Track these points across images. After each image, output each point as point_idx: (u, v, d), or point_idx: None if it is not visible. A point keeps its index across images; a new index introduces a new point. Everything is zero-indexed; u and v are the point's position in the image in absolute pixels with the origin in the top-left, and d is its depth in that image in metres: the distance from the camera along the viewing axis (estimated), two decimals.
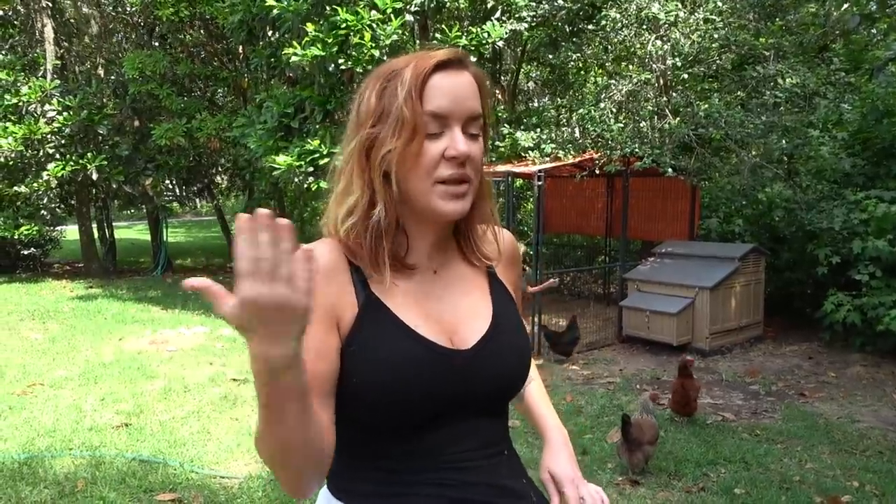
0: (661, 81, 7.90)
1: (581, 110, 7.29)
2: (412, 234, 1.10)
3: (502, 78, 12.82)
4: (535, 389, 1.38)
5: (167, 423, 4.57)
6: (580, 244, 12.20)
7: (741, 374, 6.18)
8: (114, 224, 15.11)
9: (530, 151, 7.27)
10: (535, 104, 14.21)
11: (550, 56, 10.96)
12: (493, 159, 7.93)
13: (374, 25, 6.94)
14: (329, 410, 1.02)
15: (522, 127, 8.28)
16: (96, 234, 13.65)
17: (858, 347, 6.81)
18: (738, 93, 8.19)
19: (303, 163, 7.65)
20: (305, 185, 8.02)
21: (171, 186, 17.25)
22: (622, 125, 6.90)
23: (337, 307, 1.04)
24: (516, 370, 1.12)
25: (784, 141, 6.50)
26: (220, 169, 15.67)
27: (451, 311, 1.10)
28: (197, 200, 22.82)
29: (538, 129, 7.78)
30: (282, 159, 7.63)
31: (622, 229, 7.84)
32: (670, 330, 6.73)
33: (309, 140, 7.66)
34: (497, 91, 11.67)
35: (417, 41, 8.16)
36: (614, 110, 7.22)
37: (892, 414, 5.02)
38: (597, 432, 4.53)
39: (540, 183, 6.82)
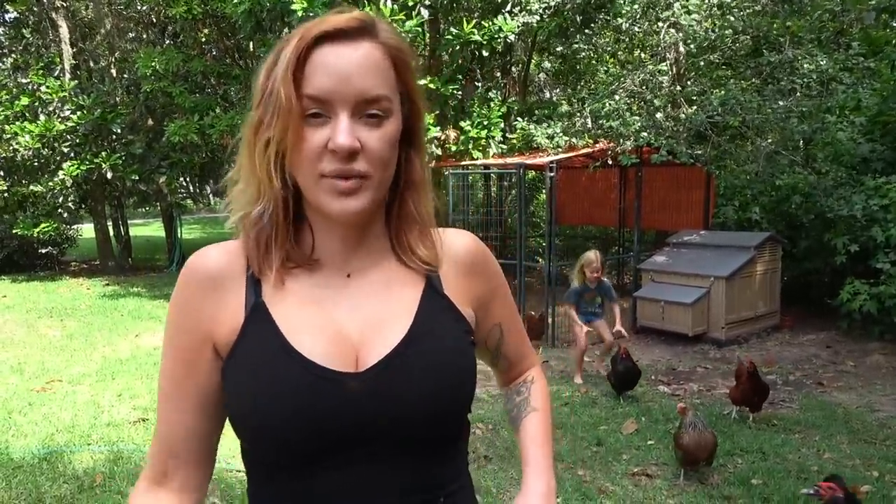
0: (675, 70, 7.81)
1: (595, 105, 7.23)
2: (317, 230, 0.92)
3: (513, 69, 12.76)
4: (531, 423, 1.11)
5: None
6: (594, 235, 12.14)
7: (758, 364, 6.09)
8: (129, 222, 15.29)
9: (544, 142, 7.21)
10: (547, 95, 14.14)
11: (561, 47, 10.89)
12: (505, 151, 7.89)
13: (394, 22, 6.93)
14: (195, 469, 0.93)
15: (535, 118, 8.24)
16: (111, 232, 13.78)
17: (877, 336, 6.72)
18: (754, 80, 8.08)
19: None
20: None
21: (184, 183, 17.40)
22: (637, 117, 6.83)
23: (213, 323, 0.89)
24: (435, 395, 0.87)
25: (804, 125, 6.39)
26: (232, 165, 15.75)
27: (361, 322, 0.89)
28: (211, 197, 23.02)
29: (551, 121, 7.73)
30: None
31: (636, 220, 7.78)
32: (685, 320, 6.68)
33: None
34: (507, 82, 11.61)
35: (427, 34, 8.14)
36: (628, 101, 7.16)
37: None
38: (612, 423, 4.51)
39: (552, 174, 6.78)
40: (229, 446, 3.98)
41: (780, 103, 6.77)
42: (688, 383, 5.53)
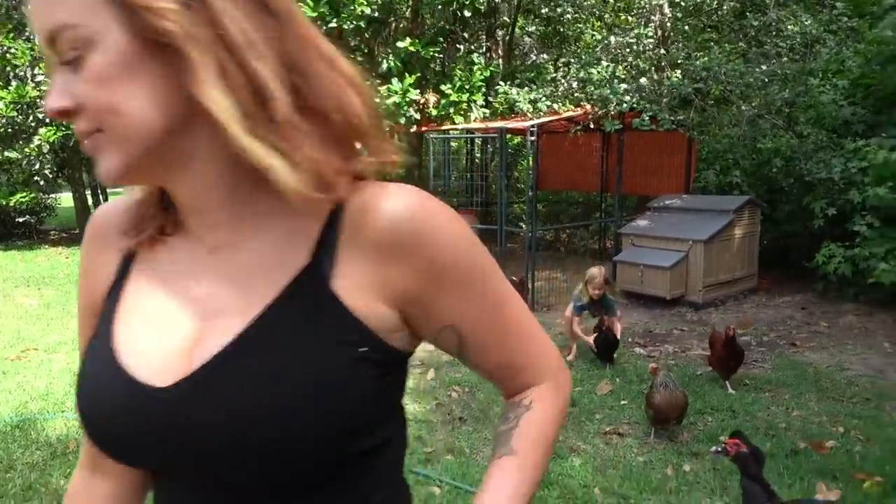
0: (660, 33, 7.74)
1: (581, 73, 7.14)
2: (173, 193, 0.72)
3: (498, 32, 12.57)
4: (494, 477, 0.74)
5: None
6: (577, 201, 12.15)
7: (734, 325, 6.16)
8: (109, 190, 15.06)
9: (526, 107, 7.15)
10: (533, 59, 13.96)
11: (546, 9, 10.72)
12: (487, 115, 7.82)
13: None
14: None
15: (517, 82, 8.15)
16: (90, 201, 13.60)
17: (851, 297, 6.81)
18: (740, 43, 8.02)
19: None
20: None
21: None
22: (624, 84, 6.76)
23: (97, 289, 0.77)
24: (264, 416, 0.62)
25: (785, 91, 6.37)
26: None
27: (201, 317, 0.68)
28: None
29: (534, 85, 7.65)
30: None
31: (617, 184, 7.77)
32: (664, 284, 6.72)
33: None
34: (491, 46, 11.45)
35: None
36: (612, 66, 7.08)
37: (881, 361, 5.04)
38: (586, 385, 4.56)
39: (533, 138, 6.73)
40: None
41: (763, 67, 6.73)
42: (663, 345, 5.60)
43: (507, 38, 12.55)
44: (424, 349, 5.60)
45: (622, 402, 4.22)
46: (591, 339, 5.01)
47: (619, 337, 5.03)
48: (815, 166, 6.83)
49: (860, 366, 4.94)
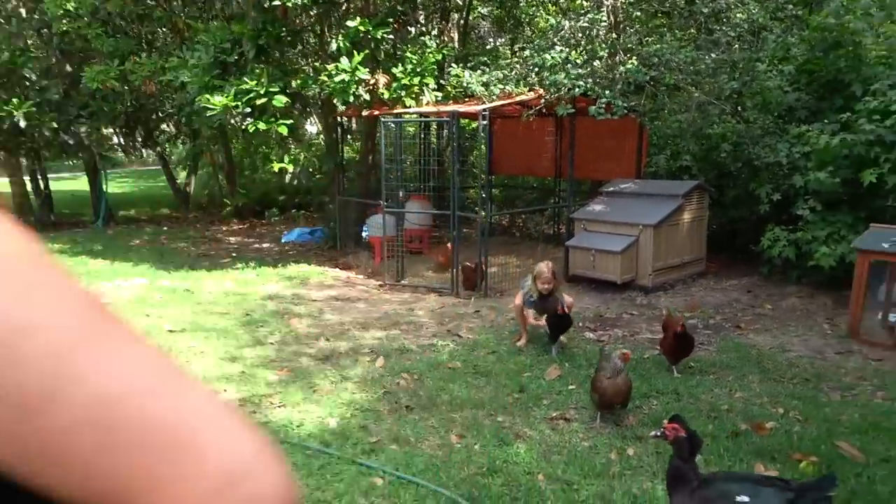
0: (613, 18, 7.72)
1: (536, 59, 7.08)
2: None
3: (453, 15, 12.42)
4: None
5: None
6: (532, 186, 12.17)
7: (681, 308, 6.28)
8: (53, 175, 14.46)
9: (479, 90, 7.05)
10: (490, 44, 13.88)
11: None
12: (439, 99, 7.71)
13: None
14: None
15: (471, 65, 8.05)
16: (29, 187, 13.02)
17: (795, 280, 6.98)
18: (690, 30, 8.08)
19: (239, 103, 7.33)
20: (243, 127, 7.72)
21: (109, 135, 16.50)
22: (579, 70, 6.72)
23: None
24: None
25: (734, 81, 6.44)
26: (160, 115, 14.99)
27: None
28: (143, 150, 21.99)
29: (487, 68, 7.56)
30: (217, 99, 7.29)
31: (570, 169, 7.78)
32: (615, 268, 6.78)
33: (245, 79, 7.32)
34: (445, 28, 11.30)
35: None
36: (566, 51, 7.04)
37: (821, 342, 5.17)
38: (535, 370, 4.56)
39: (485, 122, 6.66)
40: None
41: (713, 55, 6.79)
42: (613, 329, 5.64)
43: (463, 21, 12.41)
44: (374, 336, 5.54)
45: (570, 387, 4.22)
46: (542, 321, 5.00)
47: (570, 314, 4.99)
48: (762, 150, 6.95)
49: (801, 347, 5.07)
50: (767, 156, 6.87)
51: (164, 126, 16.14)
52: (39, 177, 13.37)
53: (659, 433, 2.50)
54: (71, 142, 12.65)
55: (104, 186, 13.43)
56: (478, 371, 4.55)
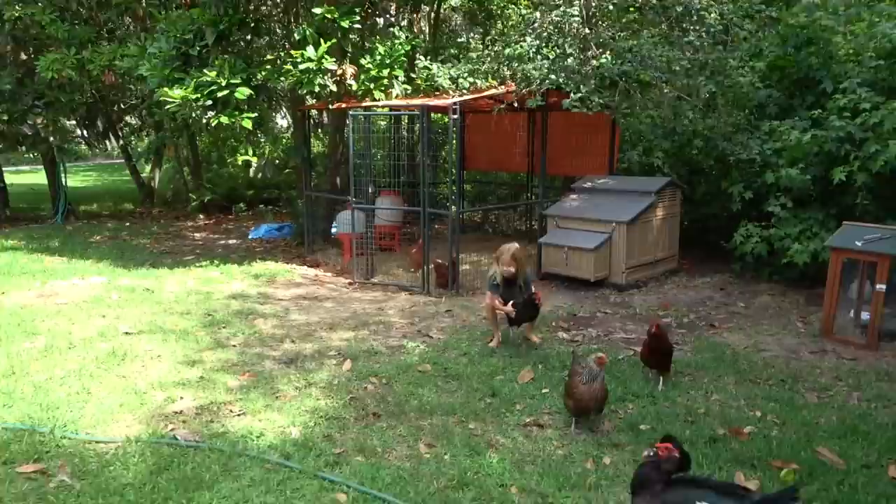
0: (585, 13, 7.60)
1: (507, 50, 6.93)
2: None
3: (424, 7, 12.20)
4: None
5: (42, 385, 4.15)
6: (504, 182, 12.03)
7: (654, 307, 6.20)
8: (11, 168, 13.86)
9: (446, 83, 6.88)
10: (462, 39, 13.68)
11: None
12: (409, 92, 7.52)
13: None
14: None
15: (441, 58, 7.86)
16: None
17: (767, 277, 6.97)
18: (662, 26, 8.00)
19: (200, 96, 7.04)
20: (204, 121, 7.43)
21: (72, 126, 15.93)
22: (547, 60, 6.59)
23: None
24: None
25: (711, 83, 6.37)
26: (122, 106, 14.50)
27: None
28: (108, 142, 21.37)
29: (457, 62, 7.38)
30: (177, 92, 6.99)
31: (542, 165, 7.65)
32: (588, 266, 6.67)
33: (206, 70, 7.03)
34: (416, 19, 11.09)
35: None
36: (539, 45, 6.90)
37: (794, 341, 5.13)
38: (508, 373, 4.41)
39: (455, 116, 6.50)
40: (92, 413, 3.59)
41: (688, 55, 6.72)
42: (587, 328, 5.53)
43: (434, 14, 12.20)
44: (341, 337, 5.34)
45: (544, 391, 4.09)
46: (508, 306, 4.82)
47: (539, 304, 4.86)
48: (734, 147, 6.90)
49: (775, 346, 5.01)
50: (740, 152, 6.83)
51: (128, 118, 15.67)
52: None
53: (652, 453, 2.40)
54: (28, 133, 12.17)
55: (63, 180, 12.93)
56: (448, 374, 4.40)
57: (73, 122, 15.42)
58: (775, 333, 5.32)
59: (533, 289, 5.01)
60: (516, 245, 4.93)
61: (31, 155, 24.19)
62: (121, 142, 15.36)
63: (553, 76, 6.53)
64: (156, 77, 7.34)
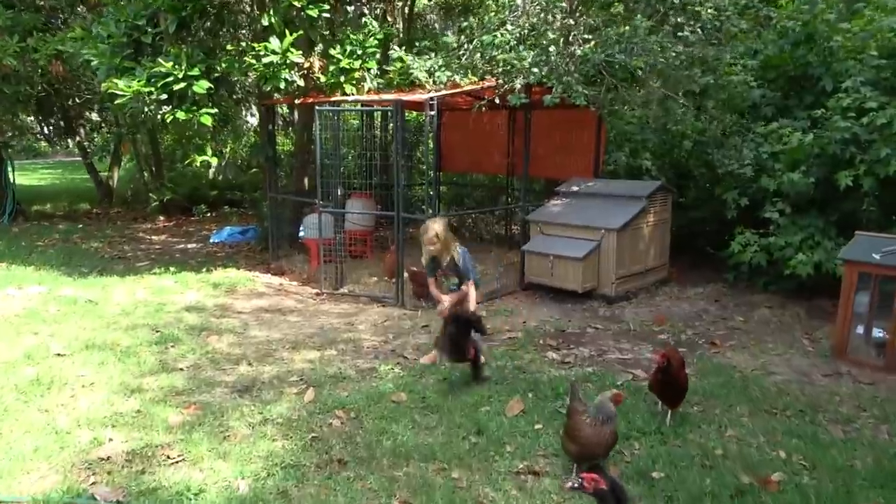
0: (568, 4, 7.14)
1: (485, 37, 6.42)
2: None
3: (397, 2, 11.63)
4: None
5: None
6: (481, 183, 11.52)
7: (648, 321, 5.74)
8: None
9: (422, 76, 6.33)
10: (436, 30, 13.14)
11: None
12: (382, 86, 6.95)
13: None
14: None
15: (415, 51, 7.30)
16: None
17: (763, 288, 6.56)
18: (651, 20, 7.57)
19: (153, 88, 6.38)
20: (159, 116, 6.77)
21: (28, 122, 15.01)
22: (530, 51, 6.09)
23: None
24: None
25: (710, 76, 5.90)
26: (77, 100, 13.62)
27: None
28: (69, 139, 20.38)
29: (433, 54, 6.84)
30: (126, 84, 6.33)
31: (524, 167, 7.14)
32: (576, 276, 6.18)
33: (161, 60, 6.37)
34: (389, 9, 10.52)
35: None
36: (520, 31, 6.40)
37: (804, 362, 4.69)
38: (494, 403, 3.88)
39: (433, 113, 5.95)
40: None
41: (681, 48, 6.29)
42: (578, 347, 5.02)
43: (408, 9, 11.65)
44: (305, 359, 4.75)
45: (537, 427, 3.56)
46: (445, 298, 4.54)
47: (471, 308, 4.41)
48: (725, 155, 6.47)
49: (785, 368, 4.56)
50: (732, 163, 6.39)
51: (88, 113, 14.77)
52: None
53: (576, 485, 2.05)
54: None
55: (10, 177, 12.07)
56: (427, 405, 3.85)
57: (29, 117, 14.54)
58: (782, 353, 4.88)
59: (473, 277, 4.57)
60: (440, 222, 4.58)
61: None
62: (77, 138, 14.48)
63: (536, 69, 6.02)
64: (103, 65, 6.67)
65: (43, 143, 27.06)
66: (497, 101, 6.33)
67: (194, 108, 6.51)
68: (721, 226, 7.41)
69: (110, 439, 3.36)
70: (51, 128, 16.52)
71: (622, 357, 4.80)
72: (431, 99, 5.91)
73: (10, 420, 3.57)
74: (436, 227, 4.49)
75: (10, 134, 12.99)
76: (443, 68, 6.23)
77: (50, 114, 13.76)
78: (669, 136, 7.67)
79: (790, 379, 4.35)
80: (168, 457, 3.19)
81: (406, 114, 9.00)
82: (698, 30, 6.31)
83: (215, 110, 6.68)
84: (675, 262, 7.35)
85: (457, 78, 6.29)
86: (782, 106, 7.05)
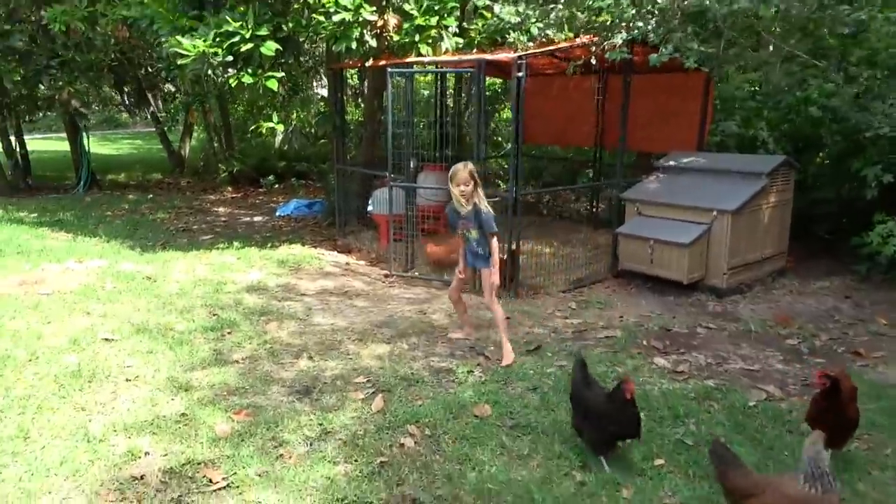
0: None
1: None
2: None
3: None
4: None
5: None
6: (561, 156, 10.64)
7: (770, 321, 4.87)
8: (39, 136, 13.03)
9: (512, 32, 5.56)
10: None
11: None
12: (461, 46, 6.23)
13: None
14: None
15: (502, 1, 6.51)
16: (1, 147, 11.69)
17: None
18: None
19: (219, 49, 5.88)
20: (224, 80, 6.30)
21: (102, 93, 15.06)
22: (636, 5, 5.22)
23: None
24: None
25: (862, 13, 4.84)
26: (150, 69, 13.48)
27: None
28: (145, 109, 20.64)
29: (524, 4, 6.03)
30: (191, 44, 5.84)
31: (622, 137, 6.28)
32: (680, 264, 5.35)
33: (227, 17, 5.86)
34: None
35: None
36: None
37: None
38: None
39: (520, 74, 5.19)
40: (17, 477, 2.47)
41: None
42: (690, 352, 4.24)
43: None
44: (373, 354, 4.17)
45: (657, 463, 2.85)
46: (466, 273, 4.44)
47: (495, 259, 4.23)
48: (874, 119, 5.43)
49: None
50: (882, 125, 5.35)
51: (162, 84, 14.69)
52: (12, 135, 11.98)
53: None
54: (45, 95, 11.29)
55: (86, 147, 12.06)
56: (516, 423, 3.19)
57: (107, 87, 14.56)
58: None
59: (494, 227, 4.24)
60: (472, 164, 4.36)
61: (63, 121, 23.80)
62: (151, 108, 14.43)
63: (641, 23, 5.15)
64: (165, 25, 6.22)
65: (124, 114, 27.80)
66: (593, 60, 5.50)
67: (260, 70, 6.00)
68: (843, 207, 6.39)
69: (147, 453, 2.86)
70: (128, 98, 16.62)
71: (747, 367, 3.99)
72: (520, 58, 5.15)
73: (42, 419, 3.15)
74: (470, 166, 4.32)
75: (90, 105, 13.01)
76: (533, 19, 5.43)
77: (125, 83, 13.71)
78: (794, 100, 6.62)
79: None
80: (210, 480, 2.66)
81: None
82: None
83: (282, 74, 6.15)
84: (790, 249, 6.38)
85: (550, 32, 5.49)
86: None
